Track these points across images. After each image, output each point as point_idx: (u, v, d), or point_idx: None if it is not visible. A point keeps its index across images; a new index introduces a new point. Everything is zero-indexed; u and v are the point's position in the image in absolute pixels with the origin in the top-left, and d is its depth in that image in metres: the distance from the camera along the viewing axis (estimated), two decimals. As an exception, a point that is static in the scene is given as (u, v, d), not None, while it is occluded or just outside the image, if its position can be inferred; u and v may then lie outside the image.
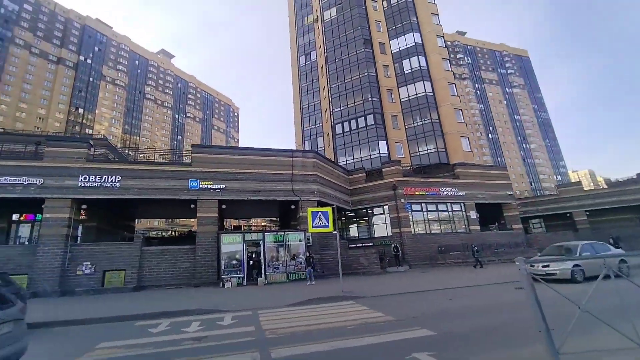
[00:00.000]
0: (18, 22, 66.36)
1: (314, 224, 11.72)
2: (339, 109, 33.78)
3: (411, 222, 23.17)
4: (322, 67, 38.19)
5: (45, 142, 17.04)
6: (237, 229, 27.53)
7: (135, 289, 15.72)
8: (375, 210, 24.19)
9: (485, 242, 23.31)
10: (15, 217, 18.46)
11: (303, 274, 16.79)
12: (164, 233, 61.46)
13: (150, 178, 17.55)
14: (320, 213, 11.61)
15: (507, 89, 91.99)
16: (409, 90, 31.65)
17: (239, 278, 15.96)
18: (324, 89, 37.43)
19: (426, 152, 30.07)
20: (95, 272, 15.98)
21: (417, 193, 23.89)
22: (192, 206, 18.26)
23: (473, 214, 25.02)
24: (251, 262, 16.59)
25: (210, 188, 18.32)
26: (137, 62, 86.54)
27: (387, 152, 30.39)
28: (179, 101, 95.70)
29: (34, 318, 8.24)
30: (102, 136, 18.88)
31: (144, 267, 16.61)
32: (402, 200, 23.13)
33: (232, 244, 16.52)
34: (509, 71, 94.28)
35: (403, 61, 32.41)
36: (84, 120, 71.42)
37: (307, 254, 16.80)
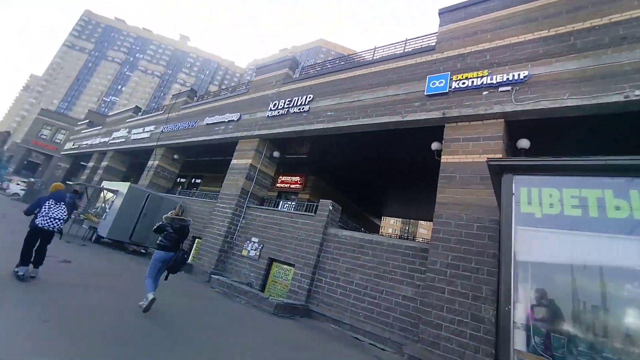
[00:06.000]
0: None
1: None
2: None
3: None
4: None
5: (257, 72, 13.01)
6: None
7: (280, 311, 6.71)
8: None
9: None
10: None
11: None
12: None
13: (352, 90, 8.53)
14: None
15: None
16: None
17: None
18: None
19: None
20: (259, 259, 8.97)
21: None
22: (433, 146, 7.05)
23: None
24: None
25: (480, 86, 6.26)
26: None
27: None
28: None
29: None
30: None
31: (324, 267, 7.56)
32: None
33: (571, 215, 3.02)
34: None
35: None
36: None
37: None
